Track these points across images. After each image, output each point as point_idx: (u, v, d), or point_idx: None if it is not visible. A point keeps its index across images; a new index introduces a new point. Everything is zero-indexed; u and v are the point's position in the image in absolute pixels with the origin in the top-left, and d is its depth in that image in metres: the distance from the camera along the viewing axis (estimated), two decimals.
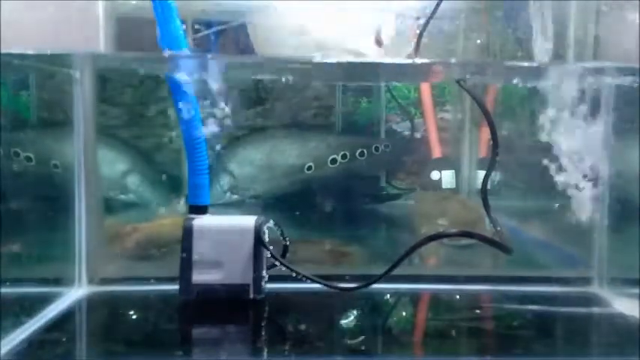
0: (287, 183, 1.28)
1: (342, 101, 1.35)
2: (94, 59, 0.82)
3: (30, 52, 0.70)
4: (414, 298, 0.90)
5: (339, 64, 0.77)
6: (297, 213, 1.19)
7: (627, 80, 0.83)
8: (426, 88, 1.35)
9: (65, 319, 0.77)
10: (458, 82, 0.84)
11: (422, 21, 0.77)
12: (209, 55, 0.76)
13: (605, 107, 0.88)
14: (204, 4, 0.91)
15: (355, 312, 0.80)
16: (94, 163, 0.92)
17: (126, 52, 0.78)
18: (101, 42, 0.76)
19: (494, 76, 0.90)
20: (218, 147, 0.88)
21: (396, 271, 0.76)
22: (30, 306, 0.78)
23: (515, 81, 0.86)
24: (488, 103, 1.19)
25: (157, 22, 0.72)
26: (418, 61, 0.77)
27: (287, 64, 0.80)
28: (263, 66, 0.86)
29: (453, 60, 0.80)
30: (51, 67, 0.95)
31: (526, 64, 0.78)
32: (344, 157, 1.28)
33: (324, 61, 0.74)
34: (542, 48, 0.77)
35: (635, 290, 0.84)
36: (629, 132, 0.90)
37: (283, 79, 0.84)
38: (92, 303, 0.84)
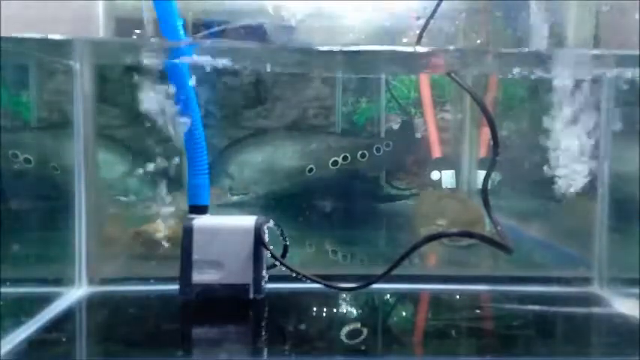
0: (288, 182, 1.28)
1: (342, 101, 1.36)
2: (93, 46, 0.81)
3: (28, 35, 0.69)
4: (414, 298, 0.90)
5: (342, 53, 0.76)
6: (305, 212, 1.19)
7: (627, 73, 0.83)
8: (426, 88, 1.35)
9: (65, 319, 0.77)
10: (449, 74, 0.84)
11: (422, 21, 0.77)
12: (208, 41, 0.76)
13: (605, 102, 0.88)
14: (205, 4, 0.91)
15: (356, 318, 0.80)
16: (94, 163, 0.92)
17: (125, 39, 0.77)
18: None
19: (493, 66, 0.90)
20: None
21: (396, 271, 0.76)
22: (30, 306, 0.78)
23: (514, 72, 0.86)
24: (488, 102, 1.19)
25: (155, 12, 0.72)
26: (418, 49, 0.77)
27: (289, 52, 0.80)
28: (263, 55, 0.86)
29: (451, 47, 0.80)
30: (50, 58, 0.94)
31: (525, 50, 0.78)
32: (345, 158, 1.28)
33: (327, 49, 0.73)
34: (539, 35, 0.78)
35: (635, 290, 0.84)
36: (629, 129, 0.90)
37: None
38: (92, 303, 0.84)
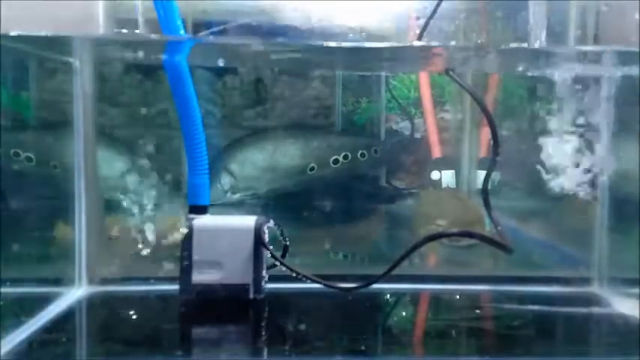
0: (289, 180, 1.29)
1: (342, 101, 1.36)
2: (92, 44, 0.80)
3: (28, 33, 0.69)
4: (414, 298, 0.90)
5: (342, 49, 0.76)
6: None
7: (627, 70, 0.83)
8: (426, 88, 1.35)
9: (65, 319, 0.77)
10: (447, 72, 0.84)
11: (422, 21, 0.77)
12: (211, 38, 0.76)
13: (605, 101, 0.88)
14: (205, 4, 0.91)
15: (356, 318, 0.80)
16: (94, 162, 0.92)
17: (125, 34, 0.77)
18: None
19: (492, 63, 0.90)
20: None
21: (396, 271, 0.76)
22: (30, 306, 0.78)
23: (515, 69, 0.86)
24: (488, 102, 1.19)
25: (155, 10, 0.71)
26: (416, 43, 0.77)
27: (290, 48, 0.80)
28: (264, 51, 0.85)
29: (452, 43, 0.80)
30: (49, 55, 0.93)
31: (524, 45, 0.78)
32: (345, 157, 1.29)
33: (325, 44, 0.73)
34: (537, 33, 0.78)
35: (635, 290, 0.84)
36: (629, 128, 0.90)
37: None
38: (92, 303, 0.84)
